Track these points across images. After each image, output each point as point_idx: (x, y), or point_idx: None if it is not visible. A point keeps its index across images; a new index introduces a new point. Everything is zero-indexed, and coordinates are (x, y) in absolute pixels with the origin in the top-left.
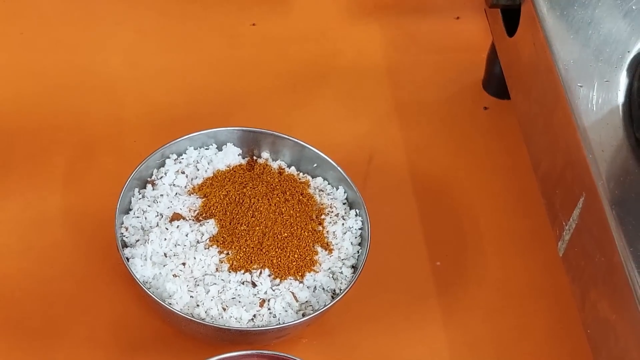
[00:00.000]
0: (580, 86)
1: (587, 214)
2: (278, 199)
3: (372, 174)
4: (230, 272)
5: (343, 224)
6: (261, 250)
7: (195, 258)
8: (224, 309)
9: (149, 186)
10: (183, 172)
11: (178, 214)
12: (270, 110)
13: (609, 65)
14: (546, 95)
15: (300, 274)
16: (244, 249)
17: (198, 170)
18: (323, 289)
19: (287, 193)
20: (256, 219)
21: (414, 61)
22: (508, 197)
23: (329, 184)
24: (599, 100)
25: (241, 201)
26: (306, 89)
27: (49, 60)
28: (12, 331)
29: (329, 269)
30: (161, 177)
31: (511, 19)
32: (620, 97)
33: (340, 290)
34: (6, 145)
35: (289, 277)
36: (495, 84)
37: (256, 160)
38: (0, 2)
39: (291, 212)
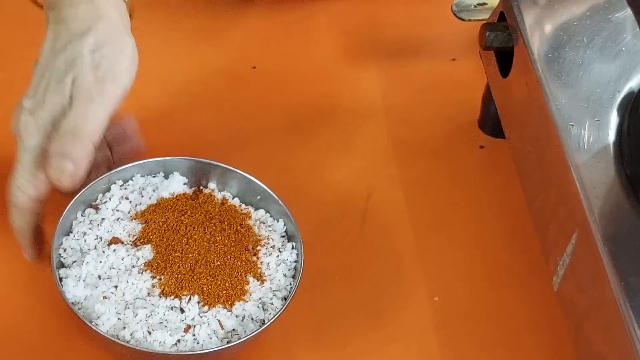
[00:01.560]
0: (572, 125)
1: (580, 249)
2: (214, 227)
3: (370, 211)
4: (160, 297)
5: (278, 255)
6: (192, 277)
7: (127, 282)
8: (150, 333)
9: (92, 210)
10: (127, 198)
11: (117, 238)
12: (271, 149)
13: (600, 104)
14: (539, 134)
15: (229, 302)
16: (176, 275)
17: (142, 197)
18: (252, 318)
19: (225, 222)
20: (190, 246)
21: (411, 101)
22: (503, 232)
23: (270, 216)
24: (590, 138)
25: (178, 228)
26: (306, 128)
27: None
28: None
29: (260, 299)
30: (105, 202)
31: (505, 60)
32: (611, 136)
33: (269, 320)
34: None
35: (218, 305)
36: (491, 123)
37: (202, 190)
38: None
39: (226, 241)
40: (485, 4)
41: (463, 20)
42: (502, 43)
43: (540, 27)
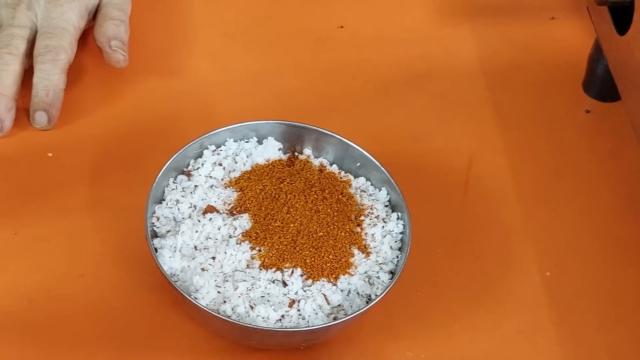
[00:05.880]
0: None
1: None
2: (316, 196)
3: (473, 179)
4: (261, 269)
5: (383, 226)
6: (294, 248)
7: (226, 253)
8: (252, 307)
9: (184, 177)
10: (220, 164)
11: (212, 206)
12: (364, 114)
13: None
14: None
15: (334, 275)
16: (277, 246)
17: (236, 163)
18: (357, 293)
19: (326, 191)
20: (291, 215)
21: (509, 63)
22: (617, 203)
23: (371, 184)
24: None
25: (277, 196)
26: (399, 92)
27: (138, 65)
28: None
29: (365, 272)
30: (198, 168)
31: (620, 16)
32: None
33: (376, 296)
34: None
35: (322, 279)
36: (598, 85)
37: (297, 156)
38: None
39: (328, 210)
40: None
41: None
42: None
43: None
